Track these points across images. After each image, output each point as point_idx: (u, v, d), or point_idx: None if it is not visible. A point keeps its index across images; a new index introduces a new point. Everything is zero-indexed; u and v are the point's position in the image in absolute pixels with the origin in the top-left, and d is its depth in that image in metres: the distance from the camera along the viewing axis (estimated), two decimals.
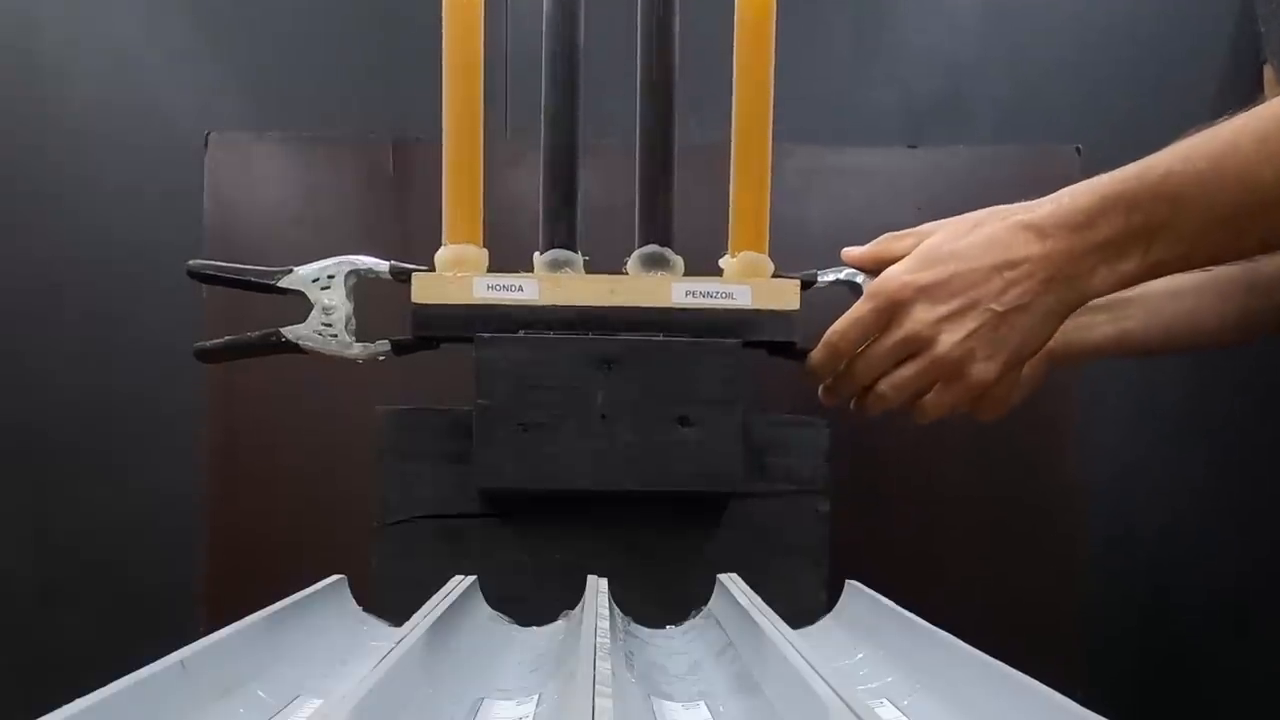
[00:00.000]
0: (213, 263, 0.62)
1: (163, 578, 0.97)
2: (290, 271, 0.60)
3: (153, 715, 0.34)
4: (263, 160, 0.85)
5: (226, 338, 0.62)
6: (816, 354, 0.60)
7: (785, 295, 0.59)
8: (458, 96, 0.57)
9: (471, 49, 0.57)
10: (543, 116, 0.57)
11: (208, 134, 0.85)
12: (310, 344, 0.60)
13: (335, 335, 0.59)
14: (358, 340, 0.60)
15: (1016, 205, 0.56)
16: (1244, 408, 1.00)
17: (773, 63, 0.57)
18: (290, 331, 0.60)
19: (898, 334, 0.57)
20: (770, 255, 0.61)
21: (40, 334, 1.00)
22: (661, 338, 0.59)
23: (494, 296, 0.58)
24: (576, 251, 0.59)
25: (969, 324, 0.55)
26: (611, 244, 0.60)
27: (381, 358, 0.60)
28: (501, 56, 0.97)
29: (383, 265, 0.60)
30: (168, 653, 0.37)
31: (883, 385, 0.59)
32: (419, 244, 0.59)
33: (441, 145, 0.58)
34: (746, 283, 0.59)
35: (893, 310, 0.57)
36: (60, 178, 1.00)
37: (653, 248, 0.59)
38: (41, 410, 1.00)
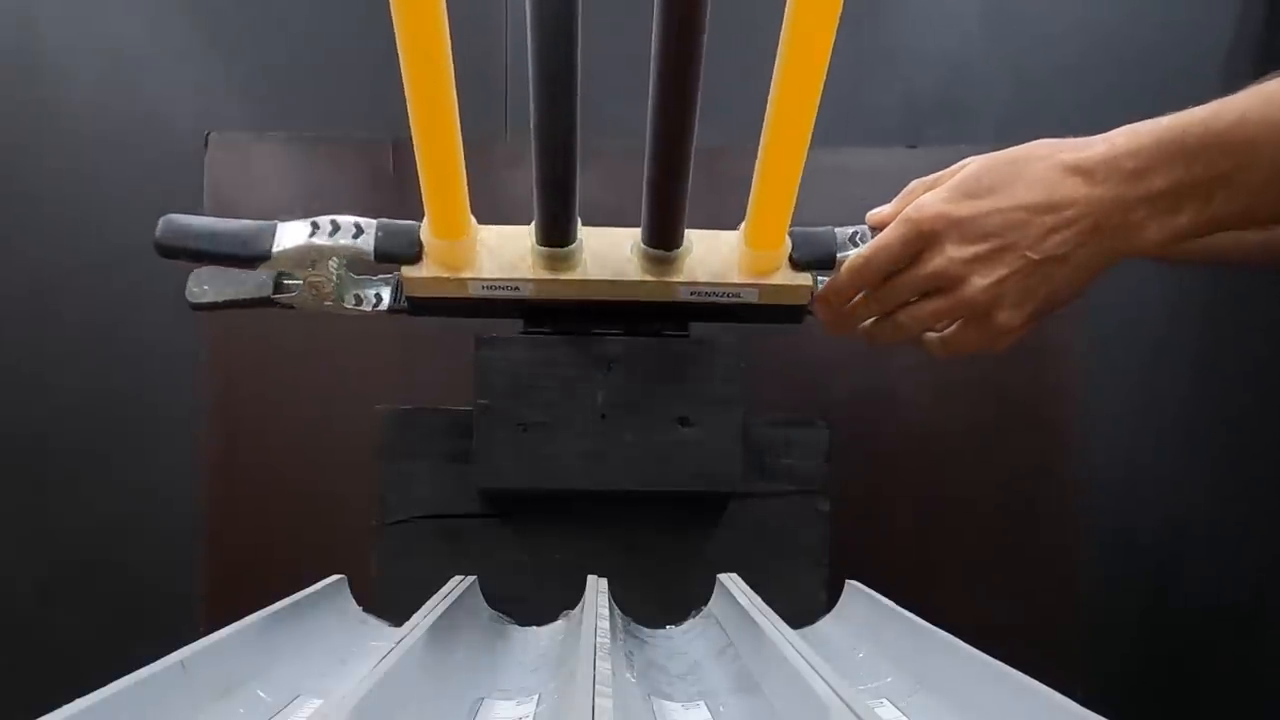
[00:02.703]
0: (182, 243, 0.58)
1: (163, 578, 0.97)
2: (268, 257, 0.55)
3: (153, 715, 0.34)
4: (263, 160, 0.85)
5: (222, 299, 0.60)
6: (836, 279, 0.57)
7: (795, 295, 0.59)
8: (416, 56, 0.46)
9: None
10: (532, 103, 0.48)
11: (208, 134, 0.85)
12: (305, 307, 0.59)
13: (329, 303, 0.59)
14: (352, 301, 0.59)
15: (1067, 141, 0.52)
16: (1246, 407, 1.00)
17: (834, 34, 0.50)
18: (283, 298, 0.59)
19: (925, 268, 0.53)
20: None
21: (40, 335, 1.00)
22: (661, 337, 0.59)
23: (490, 294, 0.57)
24: (576, 239, 0.55)
25: (1000, 269, 0.51)
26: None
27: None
28: (501, 57, 0.97)
29: (366, 246, 0.56)
30: (168, 653, 0.37)
31: (902, 315, 0.56)
32: None
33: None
34: (754, 284, 0.57)
35: (923, 242, 0.53)
36: (60, 178, 1.00)
37: (659, 251, 0.56)
38: (41, 410, 1.00)
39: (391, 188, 0.84)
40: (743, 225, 0.56)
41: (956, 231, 0.52)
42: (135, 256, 1.01)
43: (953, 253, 0.52)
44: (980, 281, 0.52)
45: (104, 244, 0.99)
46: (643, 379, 0.58)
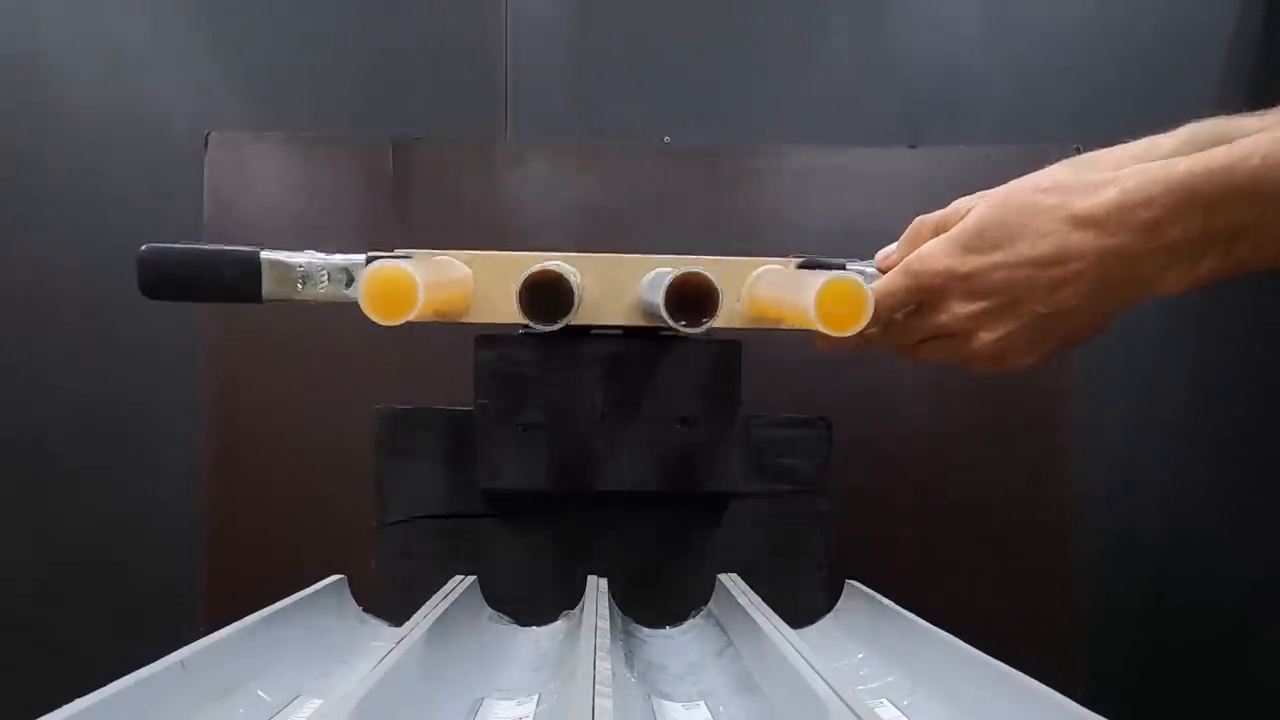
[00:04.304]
0: (168, 288, 0.57)
1: (163, 578, 0.97)
2: (259, 301, 0.56)
3: (153, 715, 0.34)
4: (263, 160, 0.85)
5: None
6: None
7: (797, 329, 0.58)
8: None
9: None
10: None
11: (208, 134, 0.85)
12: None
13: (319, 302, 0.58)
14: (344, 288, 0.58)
15: (1075, 183, 0.49)
16: (1243, 411, 1.00)
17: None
18: (274, 298, 0.58)
19: (932, 321, 0.53)
20: (768, 256, 0.60)
21: (40, 335, 1.00)
22: (661, 337, 0.59)
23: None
24: (571, 312, 0.55)
25: (1008, 324, 0.50)
26: (614, 249, 0.59)
27: None
28: (502, 58, 0.97)
29: (356, 295, 0.55)
30: (168, 653, 0.37)
31: (920, 350, 0.55)
32: (419, 244, 0.59)
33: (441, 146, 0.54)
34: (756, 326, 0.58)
35: (926, 295, 0.52)
36: (60, 178, 1.00)
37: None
38: (42, 411, 1.00)
39: (391, 188, 0.84)
40: (746, 286, 0.57)
41: (961, 288, 0.51)
42: (135, 257, 1.01)
43: (958, 309, 0.51)
44: (987, 337, 0.51)
45: (104, 244, 0.98)
46: (643, 379, 0.58)
